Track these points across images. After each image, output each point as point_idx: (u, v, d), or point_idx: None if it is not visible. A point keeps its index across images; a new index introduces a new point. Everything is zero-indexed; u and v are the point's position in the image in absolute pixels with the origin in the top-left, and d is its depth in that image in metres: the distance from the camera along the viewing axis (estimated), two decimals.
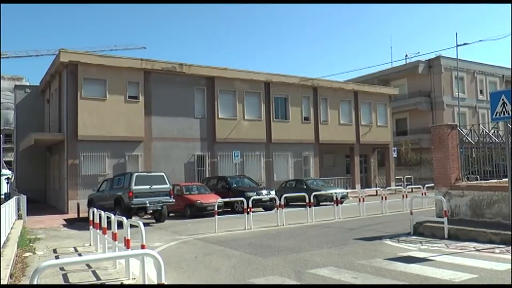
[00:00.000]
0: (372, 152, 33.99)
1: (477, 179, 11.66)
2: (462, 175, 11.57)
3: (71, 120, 21.16)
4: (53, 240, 12.62)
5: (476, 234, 9.41)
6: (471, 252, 8.22)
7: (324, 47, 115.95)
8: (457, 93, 35.35)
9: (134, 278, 6.98)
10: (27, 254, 9.95)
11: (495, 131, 12.41)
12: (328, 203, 19.96)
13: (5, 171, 26.23)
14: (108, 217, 9.16)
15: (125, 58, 23.11)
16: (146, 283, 6.11)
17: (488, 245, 8.72)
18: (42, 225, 16.19)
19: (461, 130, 11.86)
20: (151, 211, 16.00)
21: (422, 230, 10.67)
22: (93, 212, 10.83)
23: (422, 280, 6.33)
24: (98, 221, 10.17)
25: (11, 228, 12.78)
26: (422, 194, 19.08)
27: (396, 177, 32.44)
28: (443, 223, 10.03)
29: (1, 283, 5.68)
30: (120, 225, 7.95)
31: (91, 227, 11.23)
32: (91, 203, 17.86)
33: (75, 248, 10.97)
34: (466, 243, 9.07)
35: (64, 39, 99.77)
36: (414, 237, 10.33)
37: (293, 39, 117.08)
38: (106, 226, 9.32)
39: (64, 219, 17.84)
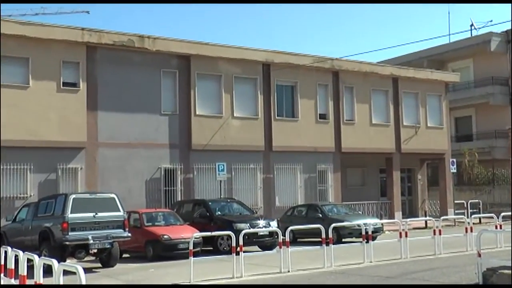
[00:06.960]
0: (420, 165, 34.01)
1: None
2: None
3: None
4: None
5: None
6: None
7: (349, 12, 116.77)
8: None
9: None
10: None
11: None
12: (354, 239, 19.96)
13: None
14: (29, 260, 9.13)
15: (59, 26, 23.08)
16: None
17: None
18: None
19: None
20: (95, 251, 15.95)
21: (496, 280, 10.57)
22: (6, 252, 10.83)
23: None
24: (13, 266, 10.15)
25: None
26: (496, 227, 19.08)
27: (456, 201, 32.51)
28: None
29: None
30: (48, 271, 7.83)
31: (1, 275, 11.19)
32: (2, 239, 17.71)
33: None
34: None
35: None
36: None
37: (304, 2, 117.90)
38: (25, 273, 9.29)
39: None
